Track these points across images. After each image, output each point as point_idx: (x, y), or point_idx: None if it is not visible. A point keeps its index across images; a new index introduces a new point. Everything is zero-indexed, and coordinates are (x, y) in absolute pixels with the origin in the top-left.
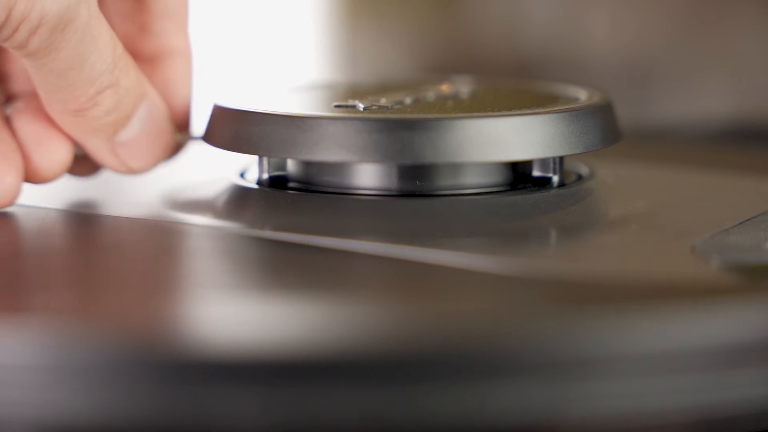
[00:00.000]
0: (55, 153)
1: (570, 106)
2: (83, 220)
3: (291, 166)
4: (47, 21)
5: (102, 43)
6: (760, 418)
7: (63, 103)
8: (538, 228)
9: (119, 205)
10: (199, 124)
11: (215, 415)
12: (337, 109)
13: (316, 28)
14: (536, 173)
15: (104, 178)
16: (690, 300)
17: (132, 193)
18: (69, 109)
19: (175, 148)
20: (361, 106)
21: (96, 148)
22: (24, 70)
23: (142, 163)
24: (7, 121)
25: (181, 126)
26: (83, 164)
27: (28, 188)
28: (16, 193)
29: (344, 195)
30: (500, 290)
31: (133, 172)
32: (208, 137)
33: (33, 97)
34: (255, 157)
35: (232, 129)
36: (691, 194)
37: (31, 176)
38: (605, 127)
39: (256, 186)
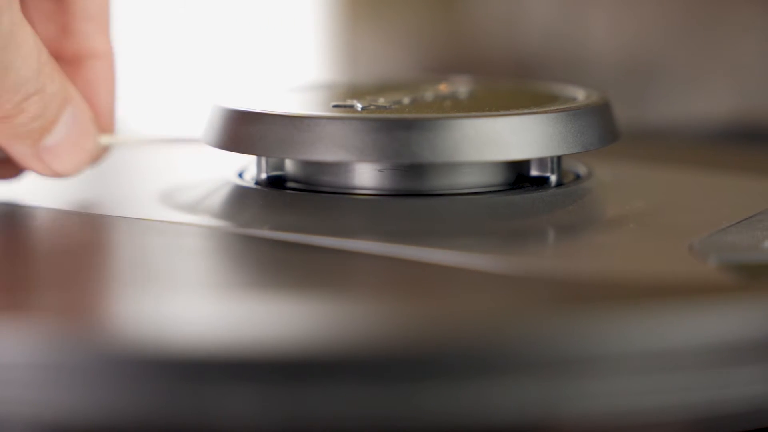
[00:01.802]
0: None
1: (568, 106)
2: (82, 220)
3: (289, 166)
4: None
5: (26, 50)
6: (757, 417)
7: None
8: (536, 227)
9: (117, 205)
10: (197, 124)
11: (214, 415)
12: (335, 109)
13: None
14: (534, 173)
15: (104, 178)
16: (688, 299)
17: (130, 193)
18: None
19: (101, 151)
20: (359, 106)
21: (21, 154)
22: None
23: (67, 167)
24: None
25: (105, 128)
26: (6, 167)
27: (22, 188)
28: None
29: (343, 195)
30: (498, 289)
31: (58, 176)
32: (207, 137)
33: None
34: (253, 157)
35: (231, 129)
36: (689, 194)
37: None
38: (603, 126)
39: (254, 186)
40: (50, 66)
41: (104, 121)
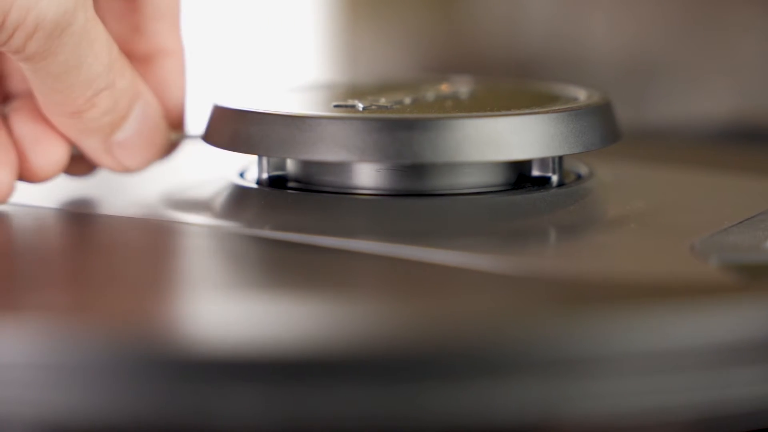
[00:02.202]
0: (51, 152)
1: (569, 106)
2: (83, 220)
3: (290, 166)
4: (43, 26)
5: (98, 46)
6: (759, 417)
7: (60, 105)
8: (538, 227)
9: (119, 205)
10: (197, 123)
11: (215, 415)
12: (336, 108)
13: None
14: (535, 173)
15: (104, 177)
16: (689, 299)
17: (132, 193)
18: (66, 111)
19: (170, 147)
20: (360, 105)
21: (92, 149)
22: (20, 69)
23: (137, 162)
24: (4, 119)
25: (175, 125)
26: (79, 164)
27: (26, 188)
28: (10, 191)
29: (344, 194)
30: (499, 289)
31: (128, 171)
32: (208, 137)
33: (29, 96)
34: (254, 157)
35: (232, 129)
36: (691, 194)
37: (27, 175)
38: (604, 126)
39: (255, 186)
40: (120, 62)
41: (174, 118)
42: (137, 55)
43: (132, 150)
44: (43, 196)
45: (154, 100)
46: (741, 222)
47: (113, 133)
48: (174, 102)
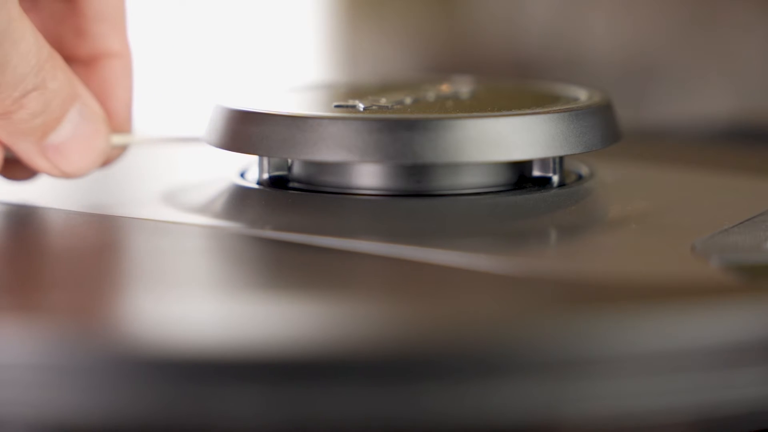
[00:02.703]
0: None
1: (570, 106)
2: (84, 221)
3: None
4: None
5: (25, 46)
6: (759, 418)
7: None
8: (538, 228)
9: (119, 205)
10: (197, 124)
11: (215, 415)
12: (337, 109)
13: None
14: (536, 173)
15: (104, 178)
16: (690, 300)
17: (131, 193)
18: None
19: (116, 152)
20: (361, 106)
21: (25, 151)
22: None
23: (75, 166)
24: None
25: (120, 128)
26: (17, 168)
27: (25, 189)
28: None
29: (344, 195)
30: (500, 290)
31: (67, 176)
32: (209, 137)
33: None
34: (255, 157)
35: (232, 129)
36: (691, 194)
37: None
38: (605, 126)
39: (256, 186)
40: (52, 63)
41: (119, 121)
42: (80, 57)
43: (70, 154)
44: (42, 196)
45: (94, 103)
46: (741, 222)
47: (46, 136)
48: (119, 105)
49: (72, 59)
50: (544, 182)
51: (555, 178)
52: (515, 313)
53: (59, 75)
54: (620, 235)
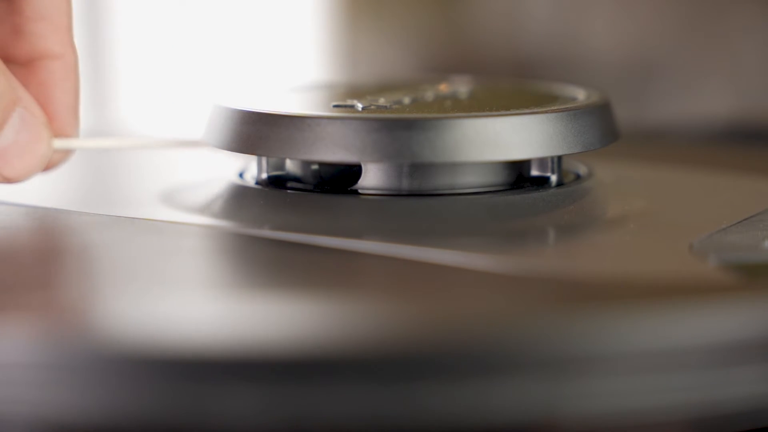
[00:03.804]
0: None
1: (568, 106)
2: (82, 220)
3: (290, 166)
4: None
5: None
6: (757, 416)
7: None
8: (537, 227)
9: (118, 205)
10: (197, 124)
11: (215, 415)
12: (335, 108)
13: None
14: (535, 173)
15: (105, 178)
16: (688, 299)
17: (130, 193)
18: None
19: (57, 156)
20: (359, 105)
21: None
22: None
23: (16, 171)
24: None
25: (62, 131)
26: None
27: (25, 189)
28: None
29: (343, 195)
30: (499, 289)
31: (7, 181)
32: (208, 137)
33: None
34: (254, 157)
35: (232, 129)
36: (690, 194)
37: None
38: (603, 126)
39: (255, 186)
40: None
41: (61, 125)
42: (18, 58)
43: (11, 159)
44: (40, 196)
45: (35, 107)
46: (740, 222)
47: None
48: (61, 108)
49: (10, 60)
50: (542, 182)
51: (553, 178)
52: (514, 312)
53: (1, 79)
54: (618, 235)
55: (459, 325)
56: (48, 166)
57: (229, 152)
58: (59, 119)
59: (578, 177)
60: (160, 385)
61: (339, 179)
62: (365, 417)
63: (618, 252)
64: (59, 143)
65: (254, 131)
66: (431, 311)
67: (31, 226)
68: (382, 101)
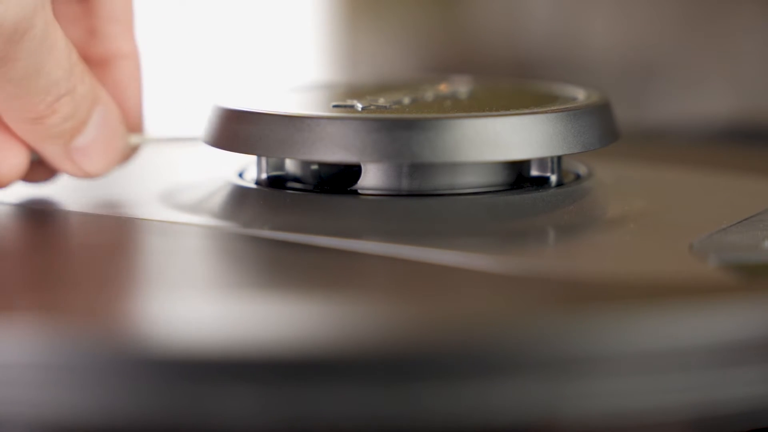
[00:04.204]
0: (11, 159)
1: (568, 106)
2: (82, 220)
3: (289, 166)
4: (2, 32)
5: (58, 51)
6: (757, 416)
7: (20, 111)
8: (537, 227)
9: (118, 205)
10: (197, 124)
11: (215, 415)
12: (335, 109)
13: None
14: (534, 173)
15: (105, 178)
16: (688, 299)
17: (131, 193)
18: (26, 117)
19: (130, 151)
20: (359, 106)
21: (52, 154)
22: None
23: (98, 167)
24: None
25: (133, 128)
26: (39, 169)
27: (25, 189)
28: None
29: (343, 195)
30: (499, 289)
31: (89, 176)
32: (208, 137)
33: None
34: (253, 157)
35: (232, 129)
36: (690, 194)
37: None
38: (603, 126)
39: (254, 186)
40: (80, 67)
41: (132, 121)
42: (93, 58)
43: (92, 155)
44: (40, 196)
45: (113, 105)
46: (740, 222)
47: (73, 139)
48: (132, 105)
49: (86, 61)
50: (542, 182)
51: (553, 178)
52: (514, 312)
53: (86, 79)
54: (618, 235)
55: (459, 326)
56: (121, 161)
57: (229, 152)
58: (130, 116)
59: (578, 177)
60: (159, 385)
61: (338, 179)
62: (365, 417)
63: (618, 252)
64: (133, 138)
65: (254, 131)
66: (431, 311)
67: (31, 226)
68: (381, 101)
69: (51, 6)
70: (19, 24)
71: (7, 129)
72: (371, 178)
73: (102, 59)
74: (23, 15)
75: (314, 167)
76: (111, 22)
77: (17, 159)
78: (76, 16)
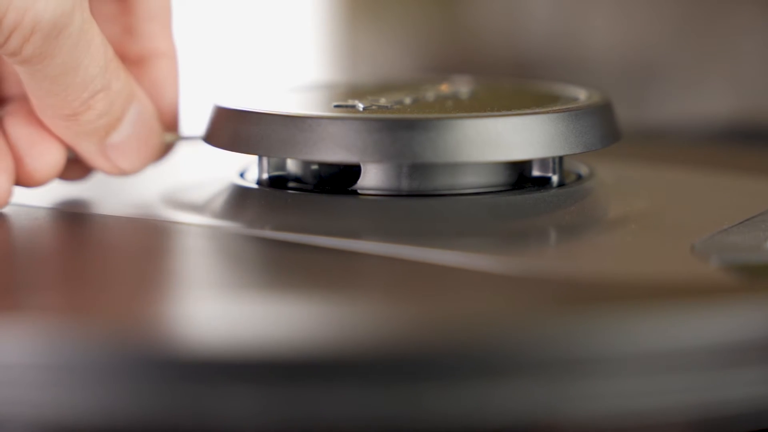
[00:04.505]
0: (47, 156)
1: (569, 106)
2: (83, 220)
3: (291, 166)
4: (41, 28)
5: (94, 48)
6: (759, 417)
7: (56, 108)
8: (538, 228)
9: (119, 205)
10: (197, 124)
11: (214, 415)
12: (336, 109)
13: (316, 28)
14: (536, 173)
15: (103, 178)
16: (690, 300)
17: (132, 193)
18: (62, 114)
19: (165, 149)
20: (360, 106)
21: (88, 151)
22: (15, 72)
23: (132, 164)
24: None
25: (169, 126)
26: (75, 168)
27: (24, 190)
28: (8, 196)
29: (344, 195)
30: (500, 290)
31: (124, 173)
32: (208, 137)
33: (25, 99)
34: (255, 157)
35: (232, 129)
36: (691, 194)
37: (23, 180)
38: (605, 126)
39: (255, 186)
40: (115, 64)
41: (168, 119)
42: (130, 56)
43: (127, 152)
44: (42, 197)
45: (148, 102)
46: (741, 222)
47: (108, 136)
48: (168, 103)
49: (122, 58)
50: (543, 182)
51: (554, 178)
52: (515, 312)
53: (121, 75)
54: (620, 235)
55: (459, 326)
56: (156, 159)
57: (230, 152)
58: (166, 114)
59: (579, 177)
60: (160, 385)
61: (338, 179)
62: (365, 418)
63: (619, 253)
64: (169, 137)
65: (254, 131)
66: (432, 312)
67: (31, 226)
68: (383, 101)
69: (88, 3)
70: (57, 20)
71: (43, 126)
72: (372, 178)
73: (139, 58)
74: (62, 11)
75: (314, 167)
76: (148, 20)
77: (53, 156)
78: (113, 14)
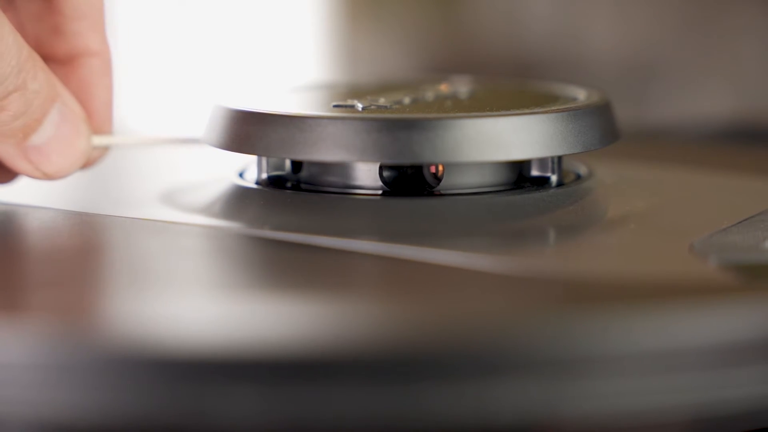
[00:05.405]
0: None
1: (568, 106)
2: (82, 220)
3: (290, 166)
4: None
5: (4, 47)
6: (757, 417)
7: None
8: (537, 227)
9: (118, 205)
10: (197, 124)
11: (214, 415)
12: (336, 109)
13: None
14: (535, 173)
15: (103, 178)
16: (689, 299)
17: (131, 193)
18: None
19: (96, 153)
20: (359, 106)
21: (6, 154)
22: None
23: (56, 167)
24: None
25: (100, 128)
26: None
27: (25, 189)
28: None
29: (343, 195)
30: (500, 290)
31: (48, 177)
32: (208, 137)
33: None
34: (254, 157)
35: (232, 129)
36: (690, 194)
37: None
38: (604, 126)
39: (255, 186)
40: (32, 63)
41: (99, 121)
42: (58, 56)
43: (51, 155)
44: (42, 197)
45: (74, 103)
46: (740, 222)
47: (27, 138)
48: (99, 105)
49: (50, 58)
50: (542, 182)
51: (554, 178)
52: (514, 312)
53: (39, 75)
54: (619, 235)
55: (459, 326)
56: (87, 164)
57: (229, 152)
58: (97, 116)
59: (579, 177)
60: (159, 385)
61: (402, 182)
62: (365, 417)
63: (618, 252)
64: (98, 140)
65: (254, 131)
66: (431, 312)
67: (30, 226)
68: (382, 101)
69: (1, 2)
70: None
71: None
72: (372, 177)
73: (67, 57)
74: None
75: (386, 172)
76: (76, 19)
77: None
78: (39, 13)
